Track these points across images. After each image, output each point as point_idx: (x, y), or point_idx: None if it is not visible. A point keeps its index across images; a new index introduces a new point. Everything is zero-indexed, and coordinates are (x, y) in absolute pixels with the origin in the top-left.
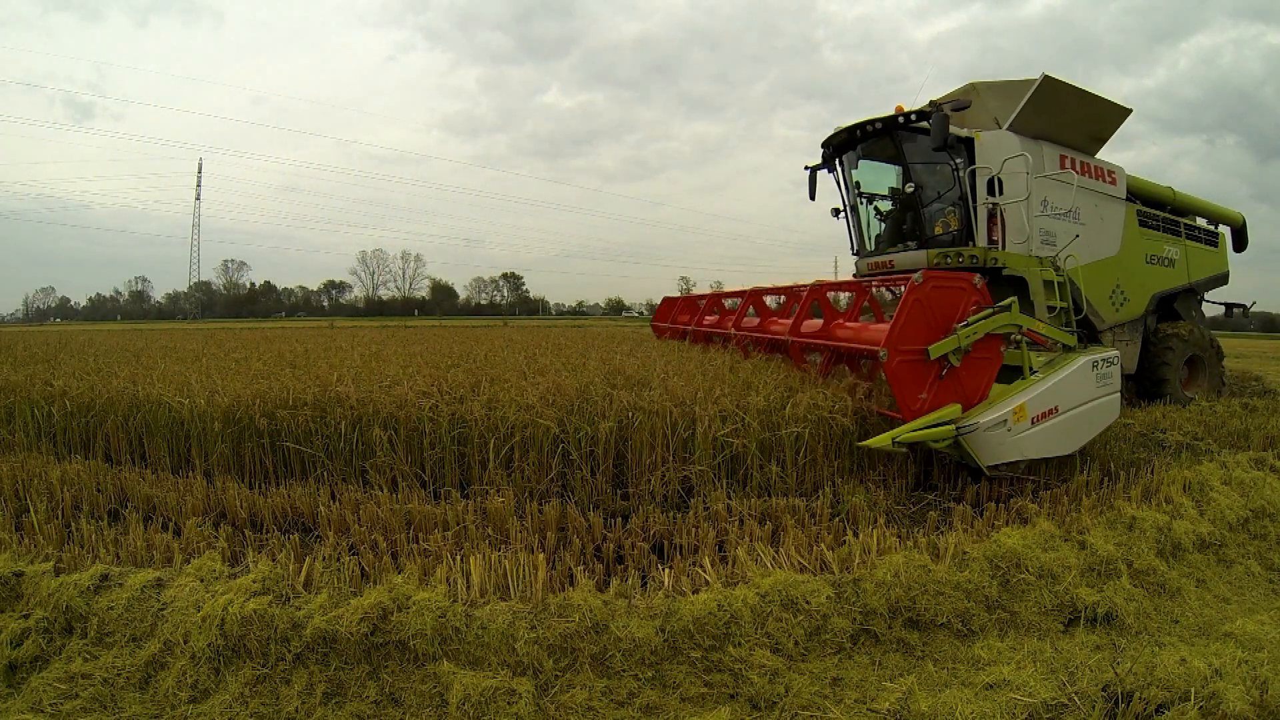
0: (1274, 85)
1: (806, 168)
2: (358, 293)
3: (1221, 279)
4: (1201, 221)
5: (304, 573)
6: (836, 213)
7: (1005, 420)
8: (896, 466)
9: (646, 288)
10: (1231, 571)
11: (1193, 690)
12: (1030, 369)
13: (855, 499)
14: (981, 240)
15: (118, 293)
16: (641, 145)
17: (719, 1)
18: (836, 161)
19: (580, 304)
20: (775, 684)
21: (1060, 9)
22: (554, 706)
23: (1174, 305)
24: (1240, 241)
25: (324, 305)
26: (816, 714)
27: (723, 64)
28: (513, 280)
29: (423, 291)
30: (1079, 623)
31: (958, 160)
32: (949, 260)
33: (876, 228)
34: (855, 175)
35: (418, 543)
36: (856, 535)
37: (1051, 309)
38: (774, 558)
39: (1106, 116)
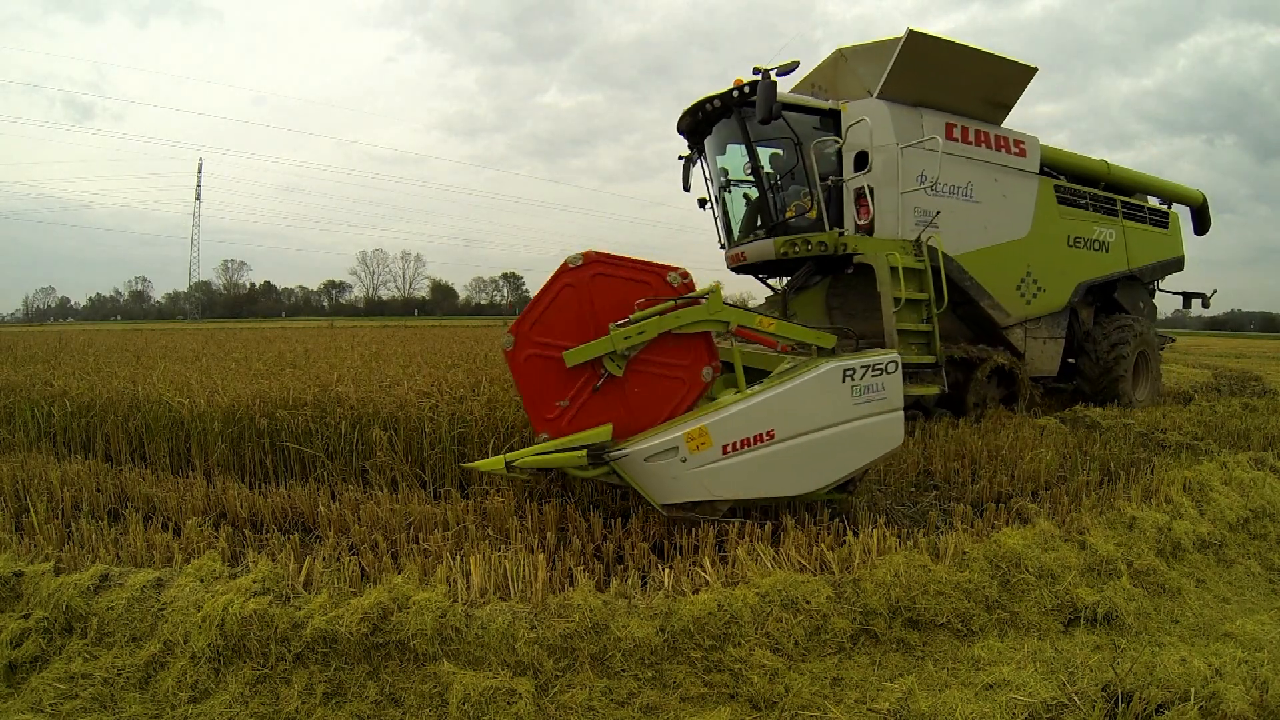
0: (1273, 85)
1: (680, 158)
2: (358, 293)
3: (1174, 265)
4: (1155, 202)
5: (304, 573)
6: (703, 204)
7: (675, 448)
8: (897, 466)
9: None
10: (1231, 571)
11: (1193, 690)
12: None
13: (855, 499)
14: (850, 224)
15: (118, 293)
16: (641, 145)
17: (718, 2)
18: (701, 148)
19: None
20: (775, 684)
21: (1059, 9)
22: (554, 706)
23: (1114, 296)
24: (1201, 223)
25: (324, 305)
26: (816, 714)
27: (722, 64)
28: (513, 280)
29: (423, 291)
30: (1079, 623)
31: (803, 135)
32: (796, 249)
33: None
34: (722, 161)
35: (418, 543)
36: (856, 535)
37: (912, 301)
38: (774, 558)
39: (1005, 78)
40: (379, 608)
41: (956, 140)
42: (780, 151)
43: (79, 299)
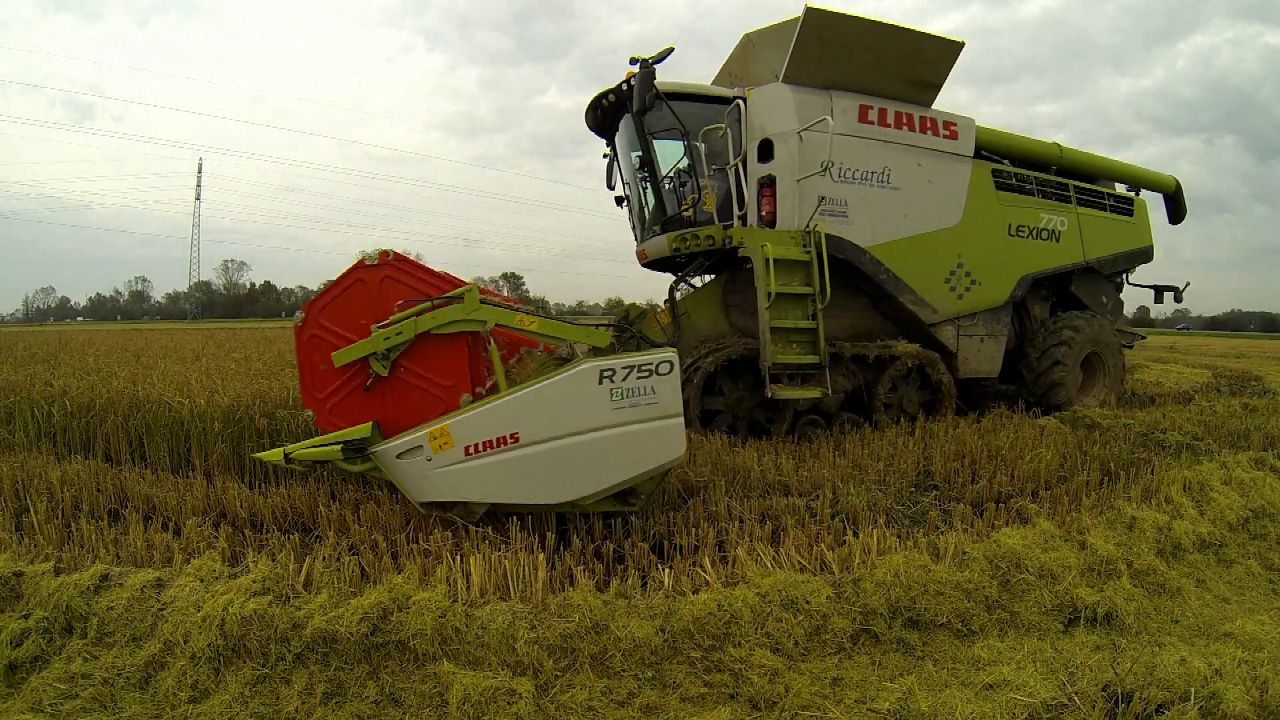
0: (1272, 85)
1: (605, 155)
2: None
3: (1141, 255)
4: (1121, 188)
5: (304, 573)
6: (620, 201)
7: (420, 447)
8: (897, 466)
9: (646, 288)
10: (1231, 571)
11: (1193, 690)
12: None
13: (855, 499)
14: (753, 217)
15: (118, 293)
16: None
17: (717, 3)
18: (614, 144)
19: (580, 304)
20: (775, 684)
21: (1057, 9)
22: (554, 706)
23: (1071, 289)
24: (1176, 211)
25: None
26: (816, 714)
27: (721, 64)
28: (513, 280)
29: None
30: (1079, 623)
31: (693, 126)
32: (687, 244)
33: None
34: (635, 156)
35: (418, 543)
36: (856, 535)
37: (798, 296)
38: (774, 558)
39: (929, 55)
40: (379, 608)
41: (872, 123)
42: (687, 144)
43: (79, 299)
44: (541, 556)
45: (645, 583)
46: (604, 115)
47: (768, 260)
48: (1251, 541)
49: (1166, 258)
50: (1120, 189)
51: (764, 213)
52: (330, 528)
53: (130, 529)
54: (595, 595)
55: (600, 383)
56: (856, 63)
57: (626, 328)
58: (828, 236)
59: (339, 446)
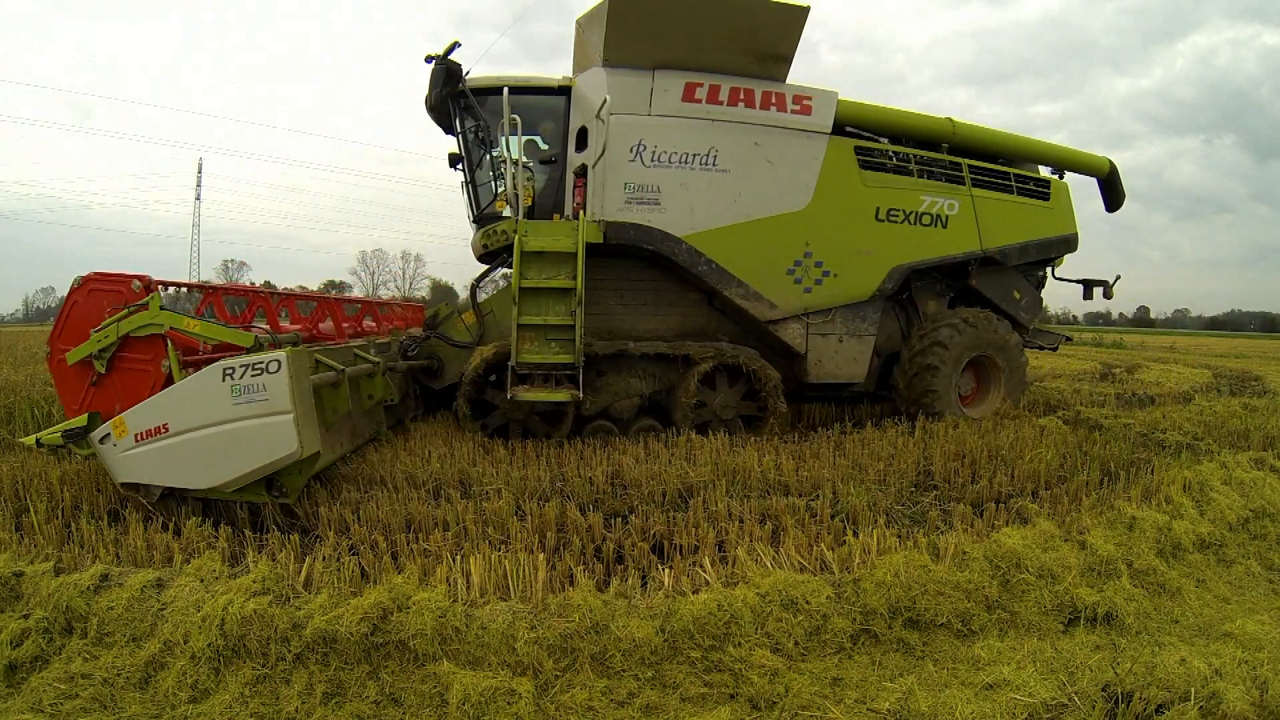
0: (1271, 85)
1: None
2: (358, 293)
3: (1061, 245)
4: (1046, 171)
5: (304, 573)
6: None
7: (109, 434)
8: (897, 466)
9: None
10: (1231, 571)
11: (1193, 690)
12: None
13: (855, 499)
14: (569, 209)
15: None
16: None
17: None
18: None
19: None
20: (775, 684)
21: (1056, 10)
22: (554, 706)
23: (971, 283)
24: (1112, 197)
25: None
26: (816, 714)
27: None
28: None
29: (423, 291)
30: (1079, 623)
31: (529, 117)
32: (493, 240)
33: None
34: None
35: (418, 543)
36: (856, 535)
37: (566, 291)
38: (774, 558)
39: (769, 25)
40: (379, 608)
41: (699, 101)
42: (537, 138)
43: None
44: (541, 557)
45: (645, 583)
46: (434, 111)
47: (523, 254)
48: (1251, 541)
49: (1166, 258)
50: (1044, 172)
51: (576, 204)
52: (330, 528)
53: (130, 529)
54: (595, 595)
55: (223, 380)
56: (684, 38)
57: (429, 330)
58: (636, 226)
59: (60, 433)
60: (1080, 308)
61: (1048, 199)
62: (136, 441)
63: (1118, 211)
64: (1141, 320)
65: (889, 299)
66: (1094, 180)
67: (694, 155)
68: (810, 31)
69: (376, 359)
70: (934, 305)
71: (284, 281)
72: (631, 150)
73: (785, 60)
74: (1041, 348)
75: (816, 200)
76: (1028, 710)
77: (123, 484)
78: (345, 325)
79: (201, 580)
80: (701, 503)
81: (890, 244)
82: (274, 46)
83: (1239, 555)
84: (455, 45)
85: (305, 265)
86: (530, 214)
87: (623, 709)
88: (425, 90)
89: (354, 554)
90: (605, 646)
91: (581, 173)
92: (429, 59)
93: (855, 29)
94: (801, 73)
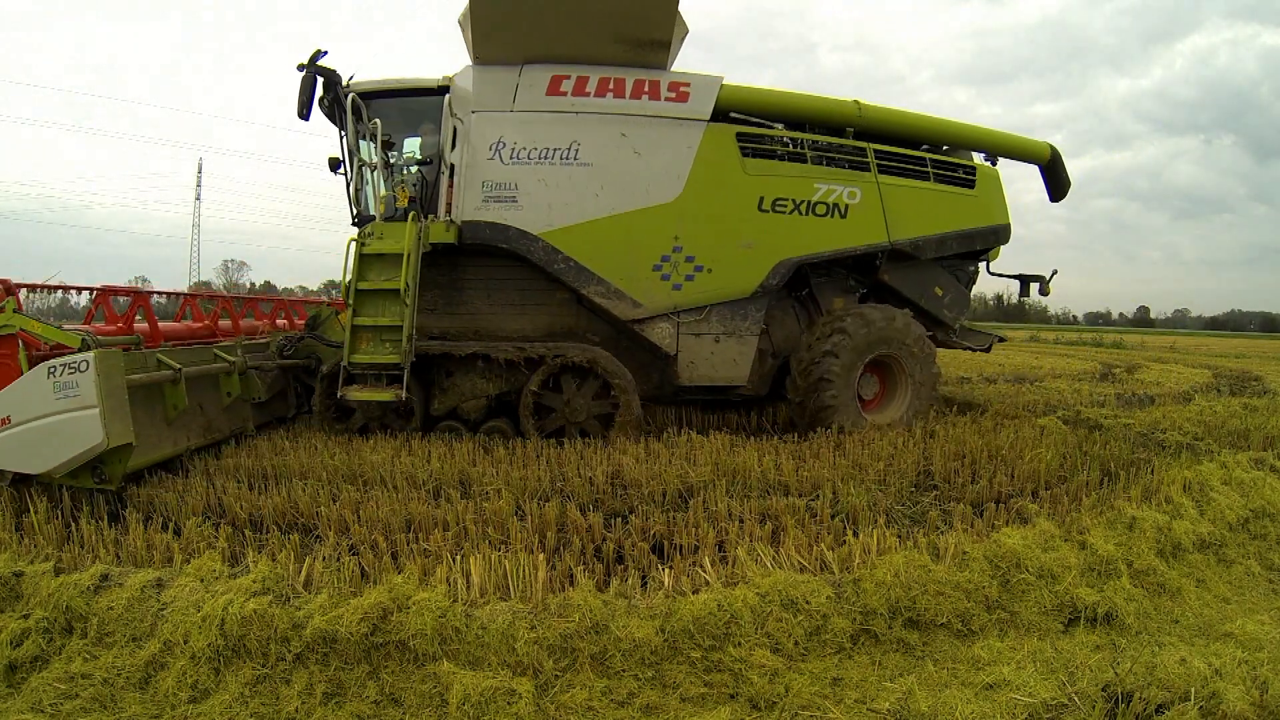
0: (1270, 85)
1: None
2: None
3: (987, 236)
4: (980, 158)
5: (304, 573)
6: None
7: None
8: (897, 466)
9: None
10: (1231, 571)
11: (1193, 690)
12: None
13: (855, 499)
14: (442, 210)
15: None
16: None
17: (716, 4)
18: None
19: None
20: (775, 684)
21: (1055, 10)
22: (554, 706)
23: (882, 278)
24: (1056, 185)
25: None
26: (816, 714)
27: (720, 65)
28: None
29: None
30: (1079, 623)
31: (412, 120)
32: (362, 243)
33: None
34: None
35: (418, 543)
36: (856, 535)
37: (398, 291)
38: (774, 558)
39: (640, 10)
40: (379, 608)
41: (564, 94)
42: (419, 139)
43: (79, 299)
44: (541, 557)
45: (645, 583)
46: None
47: (361, 256)
48: (1251, 541)
49: (1166, 258)
50: (978, 159)
51: (447, 204)
52: (330, 528)
53: (130, 529)
54: (595, 595)
55: (48, 377)
56: (551, 30)
57: (309, 330)
58: (492, 225)
59: None
60: (1080, 307)
61: (973, 187)
62: None
63: (1060, 201)
64: (1141, 320)
65: (786, 295)
66: (1048, 169)
67: (554, 150)
68: (809, 32)
69: (233, 359)
70: (841, 302)
71: (284, 281)
72: (491, 148)
73: (664, 45)
74: (971, 349)
75: (689, 191)
76: (1028, 710)
77: None
78: (261, 323)
79: (201, 580)
80: (701, 503)
81: (776, 236)
82: (274, 46)
83: (1239, 555)
84: (321, 53)
85: (305, 265)
86: (407, 215)
87: (623, 709)
88: (296, 99)
89: (354, 554)
90: (605, 646)
91: (450, 172)
92: (300, 68)
93: (855, 29)
94: (800, 73)
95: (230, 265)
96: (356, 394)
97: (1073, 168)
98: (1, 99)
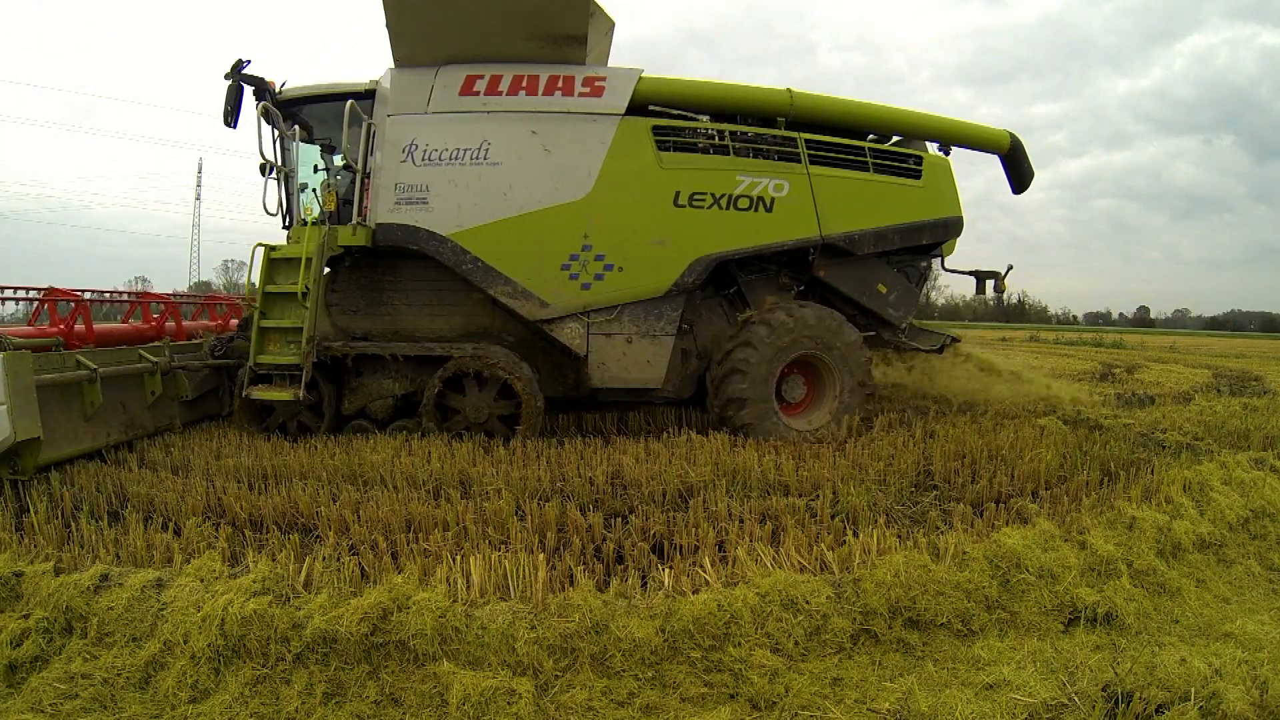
0: (1270, 85)
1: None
2: None
3: (935, 229)
4: (934, 147)
5: (304, 573)
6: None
7: None
8: (897, 466)
9: None
10: (1231, 571)
11: (1193, 690)
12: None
13: (855, 499)
14: (358, 214)
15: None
16: None
17: (716, 4)
18: None
19: None
20: (775, 684)
21: (1055, 10)
22: (554, 706)
23: (819, 276)
24: (1018, 175)
25: None
26: (816, 714)
27: (720, 65)
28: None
29: None
30: (1079, 623)
31: (285, 127)
32: (271, 248)
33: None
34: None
35: (418, 543)
36: (856, 535)
37: (288, 295)
38: (774, 558)
39: (553, 5)
40: (379, 608)
41: (477, 94)
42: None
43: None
44: (541, 557)
45: (645, 583)
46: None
47: (270, 260)
48: (1251, 541)
49: (1166, 258)
50: (933, 148)
51: (364, 207)
52: (330, 528)
53: (130, 529)
54: (595, 595)
55: None
56: (465, 29)
57: (240, 331)
58: (403, 227)
59: None
60: (1080, 307)
61: (919, 178)
62: None
63: (1023, 193)
64: (1141, 320)
65: (714, 294)
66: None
67: (465, 150)
68: (808, 32)
69: (156, 359)
70: (774, 300)
71: None
72: (404, 151)
73: (580, 40)
74: (920, 350)
75: (599, 188)
76: (1028, 710)
77: None
78: (216, 323)
79: (201, 580)
80: (701, 503)
81: (692, 232)
82: (275, 45)
83: (1239, 555)
84: (244, 62)
85: None
86: (335, 219)
87: (623, 709)
88: (221, 107)
89: (354, 554)
90: (605, 646)
91: (368, 176)
92: (225, 77)
93: (854, 29)
94: (799, 73)
95: (230, 265)
96: (260, 393)
97: (1073, 167)
98: (1, 99)
